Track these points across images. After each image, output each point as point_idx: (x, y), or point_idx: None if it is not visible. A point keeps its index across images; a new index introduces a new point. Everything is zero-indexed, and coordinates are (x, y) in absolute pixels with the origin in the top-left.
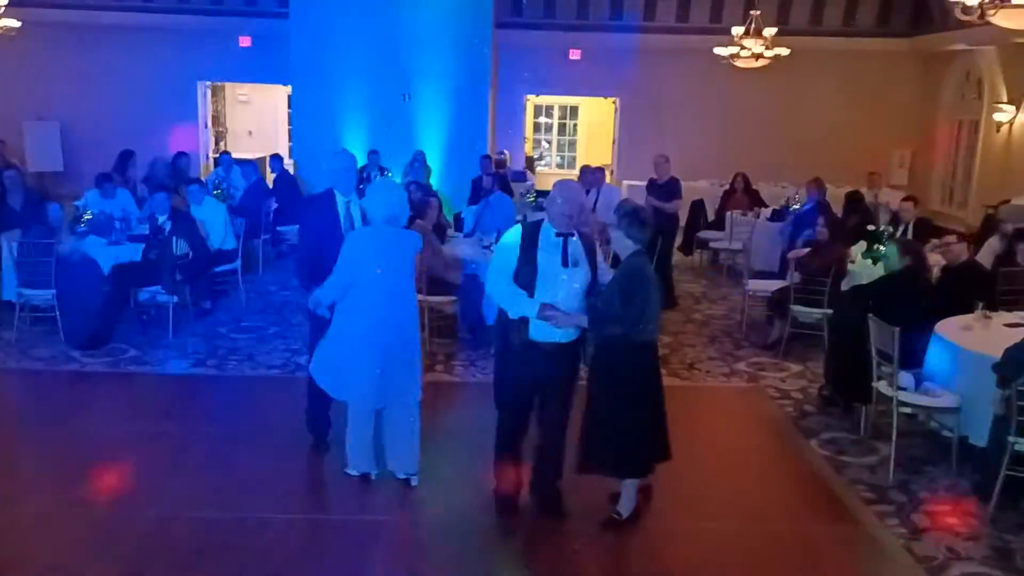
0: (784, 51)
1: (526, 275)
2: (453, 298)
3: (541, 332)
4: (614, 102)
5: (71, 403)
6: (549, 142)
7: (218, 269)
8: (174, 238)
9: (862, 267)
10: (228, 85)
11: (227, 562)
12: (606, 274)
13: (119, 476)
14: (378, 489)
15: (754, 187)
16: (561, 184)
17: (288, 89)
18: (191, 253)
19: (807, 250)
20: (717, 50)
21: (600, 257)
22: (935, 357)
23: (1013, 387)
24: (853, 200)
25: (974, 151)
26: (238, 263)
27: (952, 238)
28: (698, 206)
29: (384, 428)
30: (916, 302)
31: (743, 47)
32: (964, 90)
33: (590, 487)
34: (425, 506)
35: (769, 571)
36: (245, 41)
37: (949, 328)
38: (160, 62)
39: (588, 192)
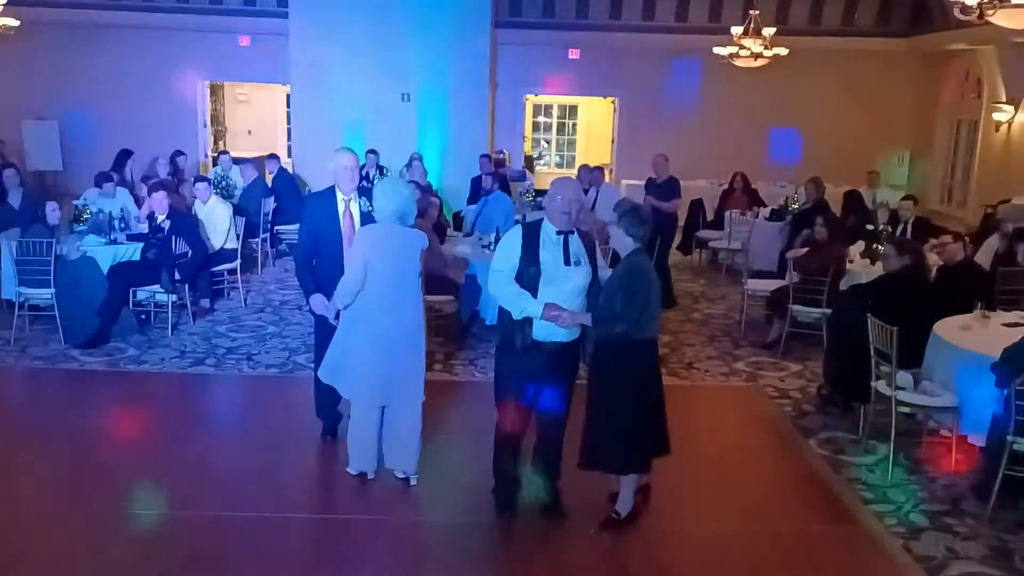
0: (783, 51)
1: (529, 275)
2: (452, 297)
3: (544, 332)
4: (613, 101)
5: (70, 402)
6: (548, 141)
7: (217, 268)
8: (173, 237)
9: (861, 267)
10: (227, 84)
11: (227, 561)
12: (605, 273)
13: (118, 475)
14: (377, 488)
15: (753, 186)
16: (559, 182)
17: (287, 88)
18: (190, 252)
19: (806, 249)
20: (716, 50)
21: (599, 256)
22: (933, 357)
23: (1012, 387)
24: (852, 199)
25: (973, 151)
26: (237, 262)
27: (948, 238)
28: (697, 205)
29: (385, 427)
30: (915, 302)
31: (742, 47)
32: (963, 90)
33: (589, 487)
34: (424, 505)
35: (767, 570)
36: (244, 40)
37: (948, 328)
38: (159, 61)
39: (587, 191)
